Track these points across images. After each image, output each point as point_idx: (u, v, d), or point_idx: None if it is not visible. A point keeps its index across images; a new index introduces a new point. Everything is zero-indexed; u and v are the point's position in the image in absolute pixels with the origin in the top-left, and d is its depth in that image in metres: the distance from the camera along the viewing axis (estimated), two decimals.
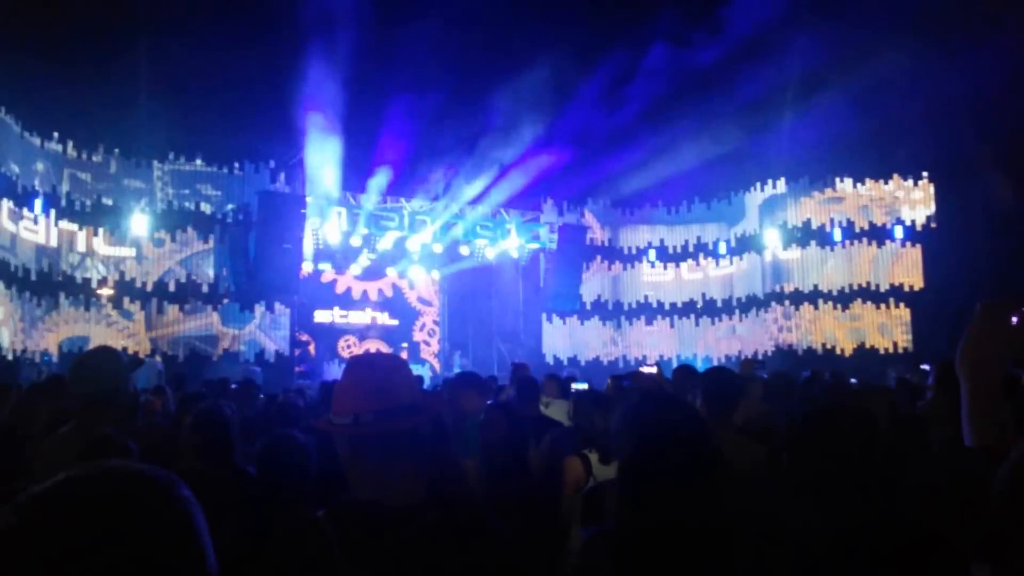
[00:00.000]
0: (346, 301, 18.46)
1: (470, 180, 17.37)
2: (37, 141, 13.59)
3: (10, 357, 12.36)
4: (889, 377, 9.52)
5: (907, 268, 17.32)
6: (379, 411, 1.59)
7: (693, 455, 1.65)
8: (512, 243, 18.26)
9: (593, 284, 19.38)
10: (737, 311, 18.63)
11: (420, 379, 9.88)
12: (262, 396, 7.02)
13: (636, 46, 16.69)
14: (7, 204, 12.62)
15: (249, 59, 13.71)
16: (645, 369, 6.44)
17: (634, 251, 19.77)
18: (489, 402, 4.28)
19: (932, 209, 17.26)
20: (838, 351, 16.97)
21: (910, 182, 17.55)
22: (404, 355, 16.41)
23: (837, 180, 17.70)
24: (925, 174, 17.37)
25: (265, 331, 15.33)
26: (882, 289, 17.29)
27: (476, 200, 17.70)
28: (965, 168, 16.10)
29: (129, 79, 13.00)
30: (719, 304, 18.96)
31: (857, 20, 15.09)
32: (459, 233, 17.69)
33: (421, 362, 18.52)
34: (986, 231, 15.29)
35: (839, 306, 17.36)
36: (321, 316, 17.96)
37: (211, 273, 15.00)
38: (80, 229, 14.05)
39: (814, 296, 17.47)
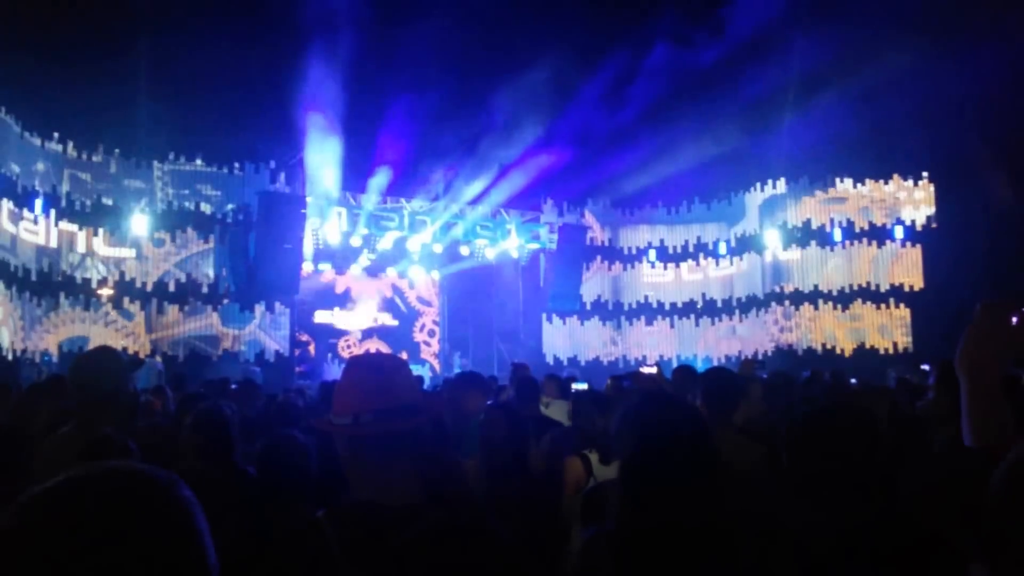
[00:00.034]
0: (346, 301, 18.46)
1: (470, 180, 17.38)
2: (37, 141, 13.59)
3: (10, 357, 12.36)
4: (889, 377, 9.52)
5: (907, 268, 17.32)
6: (379, 411, 1.59)
7: (694, 455, 1.65)
8: (512, 243, 18.26)
9: (593, 284, 19.38)
10: (737, 311, 18.63)
11: (420, 379, 9.88)
12: (262, 396, 7.01)
13: (636, 46, 16.71)
14: (7, 205, 12.62)
15: (249, 59, 13.70)
16: (645, 369, 6.44)
17: (634, 251, 19.77)
18: (489, 402, 4.28)
19: (932, 209, 17.26)
20: (838, 351, 16.97)
21: (910, 182, 17.55)
22: (404, 355, 16.42)
23: (837, 180, 17.70)
24: (925, 174, 17.37)
25: (265, 331, 15.32)
26: (882, 289, 17.29)
27: (476, 200, 17.70)
28: (965, 168, 16.10)
29: (129, 79, 13.01)
30: (719, 304, 18.96)
31: (857, 20, 15.10)
32: (459, 233, 17.69)
33: (421, 362, 18.53)
34: (986, 231, 15.28)
35: (839, 306, 17.36)
36: (321, 316, 17.96)
37: (211, 273, 15.00)
38: (80, 229, 14.05)
39: (814, 296, 17.47)
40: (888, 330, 17.16)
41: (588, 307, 19.18)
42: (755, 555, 1.56)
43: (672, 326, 19.37)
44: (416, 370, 15.32)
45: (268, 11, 14.32)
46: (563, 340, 18.95)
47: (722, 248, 19.11)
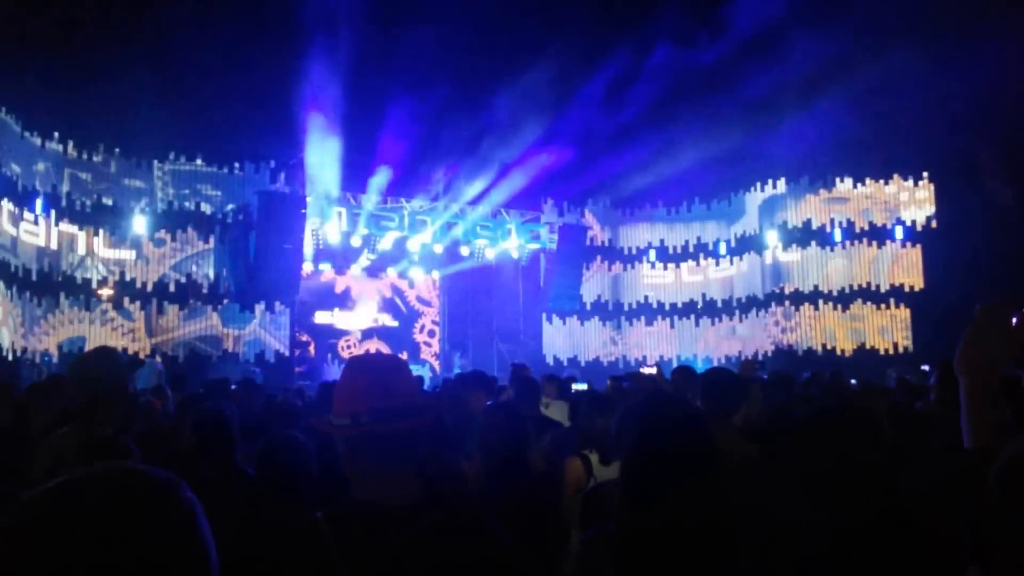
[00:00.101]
0: (346, 301, 18.46)
1: (470, 180, 17.39)
2: (38, 141, 13.60)
3: (10, 357, 12.36)
4: (889, 378, 9.51)
5: (907, 268, 17.32)
6: (378, 412, 1.59)
7: (694, 455, 1.65)
8: (512, 243, 18.27)
9: (593, 284, 19.39)
10: (737, 312, 18.63)
11: (420, 379, 9.88)
12: (262, 397, 7.01)
13: (636, 46, 16.71)
14: (8, 206, 12.62)
15: (249, 59, 13.71)
16: (645, 370, 6.44)
17: (634, 251, 19.77)
18: (489, 403, 4.28)
19: (932, 209, 17.26)
20: (838, 352, 16.97)
21: (910, 182, 17.55)
22: (404, 356, 16.42)
23: (837, 180, 17.70)
24: (925, 174, 17.37)
25: (265, 331, 15.32)
26: (882, 289, 17.28)
27: (476, 200, 17.70)
28: (965, 168, 16.10)
29: (129, 79, 13.00)
30: (719, 305, 18.96)
31: (857, 20, 15.09)
32: (459, 233, 17.70)
33: (421, 363, 18.52)
34: (986, 231, 15.28)
35: (839, 306, 17.36)
36: (321, 317, 17.96)
37: (211, 273, 15.00)
38: (80, 229, 14.05)
39: (814, 296, 17.47)
40: (888, 330, 17.15)
41: (588, 307, 19.19)
42: (756, 555, 1.56)
43: (672, 326, 19.37)
44: (416, 370, 15.33)
45: (268, 11, 14.33)
46: (563, 340, 18.95)
47: (722, 248, 19.11)
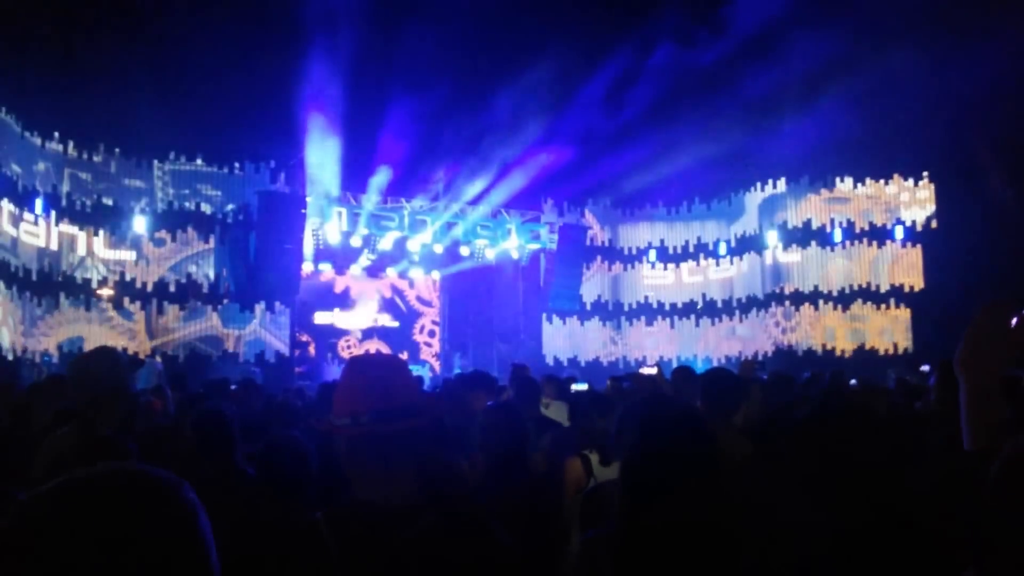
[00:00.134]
0: (346, 301, 18.46)
1: (470, 180, 17.38)
2: (38, 141, 13.60)
3: (10, 357, 12.36)
4: (889, 378, 9.52)
5: (907, 268, 17.32)
6: (377, 412, 1.59)
7: (695, 454, 1.65)
8: (512, 243, 18.26)
9: (593, 284, 19.39)
10: (737, 312, 18.63)
11: (420, 380, 9.88)
12: (262, 397, 7.01)
13: (636, 46, 16.72)
14: (8, 207, 12.63)
15: (249, 59, 13.71)
16: (645, 370, 6.43)
17: (634, 251, 19.77)
18: (489, 403, 4.28)
19: (932, 209, 17.26)
20: (838, 352, 16.97)
21: (911, 182, 17.55)
22: (404, 356, 16.42)
23: (837, 180, 17.70)
24: (926, 174, 17.37)
25: (265, 332, 15.33)
26: (882, 290, 17.28)
27: (476, 200, 17.70)
28: (966, 168, 16.10)
29: (129, 79, 13.00)
30: (719, 305, 18.96)
31: (857, 21, 15.09)
32: (459, 233, 17.70)
33: (421, 363, 18.52)
34: (986, 231, 15.28)
35: (839, 307, 17.36)
36: (321, 317, 17.96)
37: (211, 273, 15.00)
38: (80, 230, 14.05)
39: (814, 297, 17.47)
40: (888, 331, 17.15)
41: (588, 307, 19.19)
42: (755, 555, 1.56)
43: (672, 327, 19.37)
44: (416, 371, 15.32)
45: (268, 11, 14.33)
46: (563, 340, 18.95)
47: (722, 248, 19.11)
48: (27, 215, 13.14)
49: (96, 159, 14.39)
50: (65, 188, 13.97)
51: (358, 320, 18.49)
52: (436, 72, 15.24)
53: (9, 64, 11.81)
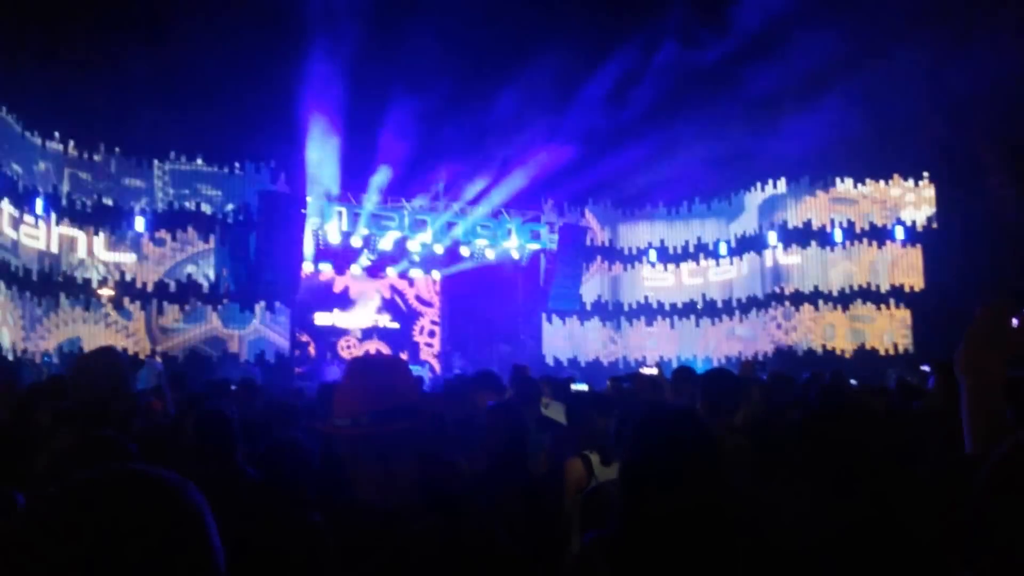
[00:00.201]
0: (346, 301, 18.45)
1: (470, 180, 17.38)
2: (38, 140, 13.61)
3: (11, 357, 12.37)
4: (889, 378, 9.52)
5: (907, 269, 17.32)
6: (377, 413, 1.59)
7: (694, 454, 1.65)
8: (512, 243, 18.26)
9: (593, 284, 19.39)
10: (737, 312, 18.62)
11: (420, 380, 9.87)
12: (262, 397, 7.01)
13: (636, 47, 16.73)
14: (9, 209, 12.63)
15: (249, 59, 13.72)
16: (645, 370, 6.44)
17: (634, 251, 19.77)
18: (490, 403, 4.28)
19: (933, 210, 17.26)
20: (838, 352, 16.96)
21: (911, 182, 17.55)
22: (404, 356, 16.43)
23: (837, 180, 17.70)
24: (926, 174, 17.37)
25: (265, 332, 15.33)
26: (882, 290, 17.28)
27: (476, 200, 17.71)
28: (966, 168, 16.11)
29: (130, 78, 13.01)
30: (719, 305, 18.95)
31: (858, 21, 15.10)
32: (459, 233, 17.70)
33: (421, 363, 18.51)
34: (986, 231, 15.28)
35: (839, 307, 17.36)
36: (321, 317, 17.96)
37: (211, 273, 15.01)
38: (80, 230, 14.06)
39: (814, 297, 17.47)
40: (888, 331, 17.15)
41: (588, 307, 19.18)
42: (755, 555, 1.56)
43: (672, 327, 19.37)
44: (416, 371, 15.32)
45: (269, 11, 14.34)
46: (563, 341, 18.95)
47: (722, 248, 19.10)
48: (27, 217, 13.14)
49: (96, 159, 14.40)
50: (65, 188, 13.98)
51: (358, 320, 18.49)
52: (436, 72, 15.27)
53: (10, 64, 11.81)
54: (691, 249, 19.50)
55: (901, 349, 16.85)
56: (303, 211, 14.62)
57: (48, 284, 13.51)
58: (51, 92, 12.87)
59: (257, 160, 15.43)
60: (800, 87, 15.63)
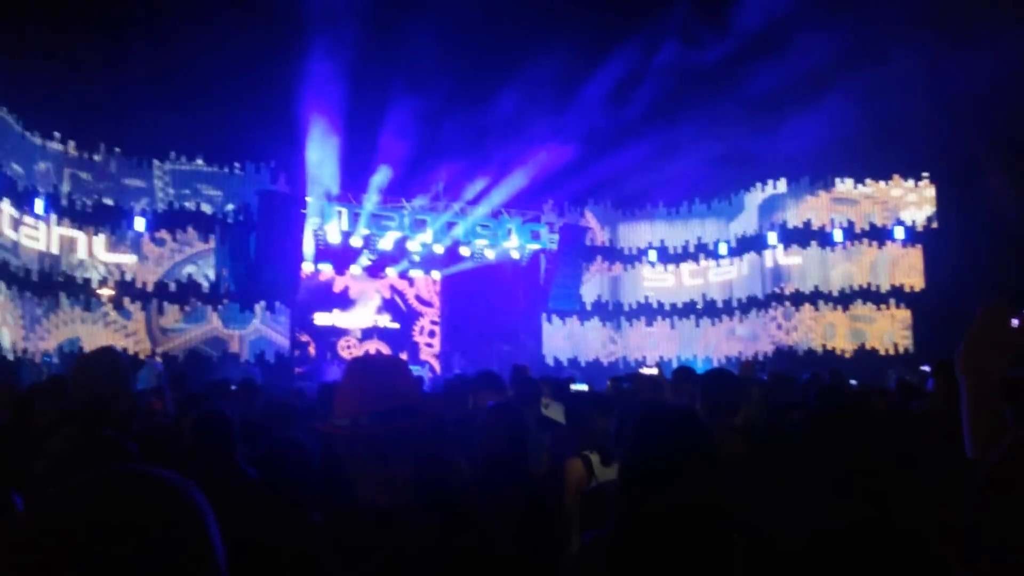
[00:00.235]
0: (346, 301, 18.45)
1: (470, 180, 17.39)
2: (39, 140, 13.61)
3: (11, 357, 12.37)
4: (889, 378, 9.52)
5: (907, 269, 17.33)
6: (377, 413, 1.59)
7: (694, 454, 1.65)
8: (512, 244, 18.27)
9: (593, 285, 19.39)
10: (737, 312, 18.63)
11: (420, 380, 9.88)
12: (262, 397, 7.00)
13: (636, 47, 16.74)
14: (9, 210, 12.63)
15: (249, 59, 13.73)
16: (645, 370, 6.45)
17: (634, 251, 19.77)
18: (490, 403, 4.28)
19: (933, 209, 17.26)
20: (838, 352, 16.97)
21: (911, 182, 17.56)
22: (404, 356, 16.43)
23: (837, 180, 17.70)
24: (926, 174, 17.38)
25: (265, 332, 15.33)
26: (882, 290, 17.29)
27: (476, 200, 17.72)
28: (966, 168, 16.11)
29: (130, 78, 13.02)
30: (719, 305, 18.95)
31: (858, 21, 15.11)
32: (459, 233, 17.70)
33: (421, 363, 18.52)
34: (986, 231, 15.29)
35: (839, 307, 17.36)
36: (321, 317, 17.96)
37: (211, 273, 15.01)
38: (80, 230, 14.06)
39: (814, 297, 17.47)
40: (889, 331, 17.15)
41: (588, 307, 19.19)
42: (753, 554, 1.56)
43: (672, 327, 19.37)
44: (416, 371, 15.33)
45: (268, 11, 14.35)
46: (563, 341, 18.96)
47: (722, 248, 19.11)
48: (28, 218, 13.15)
49: (96, 159, 14.40)
50: (65, 188, 13.99)
51: (358, 320, 18.49)
52: (436, 71, 15.29)
53: (10, 64, 11.82)
54: (691, 249, 19.50)
55: (901, 349, 16.86)
56: (303, 211, 14.63)
57: (48, 284, 13.51)
58: (51, 92, 12.88)
59: (257, 160, 15.44)
60: (800, 87, 15.64)
